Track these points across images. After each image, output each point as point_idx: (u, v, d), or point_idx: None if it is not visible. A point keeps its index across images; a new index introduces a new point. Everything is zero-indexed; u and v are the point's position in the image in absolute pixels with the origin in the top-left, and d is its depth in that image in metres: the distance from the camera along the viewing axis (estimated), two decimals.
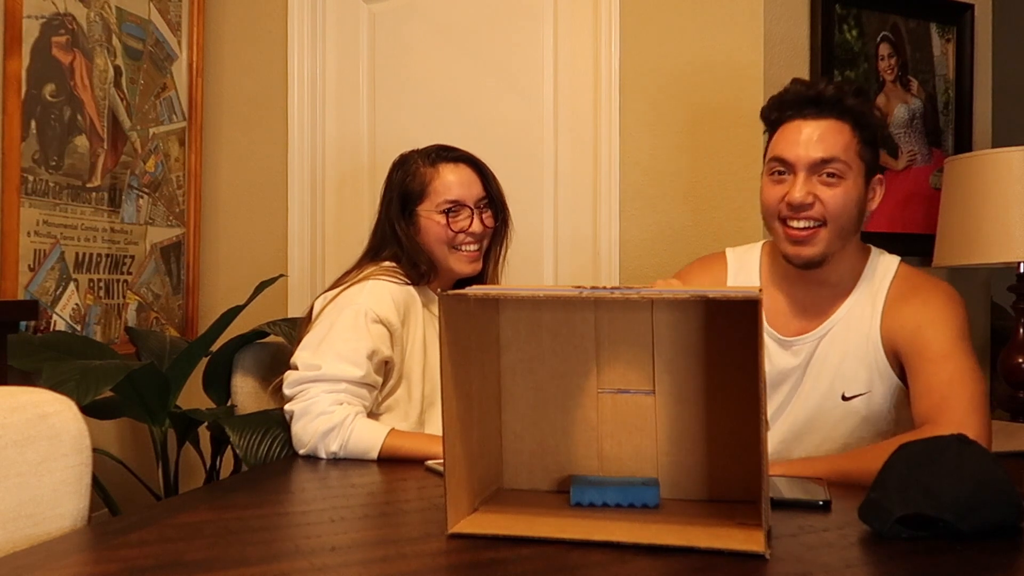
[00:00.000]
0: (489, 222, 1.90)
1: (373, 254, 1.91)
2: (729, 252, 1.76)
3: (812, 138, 1.54)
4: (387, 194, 1.92)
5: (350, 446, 1.62)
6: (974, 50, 2.75)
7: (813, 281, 1.61)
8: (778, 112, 1.60)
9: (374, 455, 1.61)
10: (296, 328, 1.99)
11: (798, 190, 1.53)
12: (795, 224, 1.55)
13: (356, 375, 1.69)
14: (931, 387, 1.47)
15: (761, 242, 1.75)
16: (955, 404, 1.43)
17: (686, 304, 1.25)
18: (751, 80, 2.41)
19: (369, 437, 1.62)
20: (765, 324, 1.58)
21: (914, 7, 2.64)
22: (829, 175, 1.54)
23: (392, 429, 1.65)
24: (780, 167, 1.57)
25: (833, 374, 1.57)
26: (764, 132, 1.67)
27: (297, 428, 1.67)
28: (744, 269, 1.70)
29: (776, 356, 1.60)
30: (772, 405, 1.60)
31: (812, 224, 1.54)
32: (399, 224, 1.87)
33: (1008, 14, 3.40)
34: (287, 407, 1.70)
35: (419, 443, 1.61)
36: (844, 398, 1.56)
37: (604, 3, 2.57)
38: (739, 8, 2.43)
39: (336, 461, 1.61)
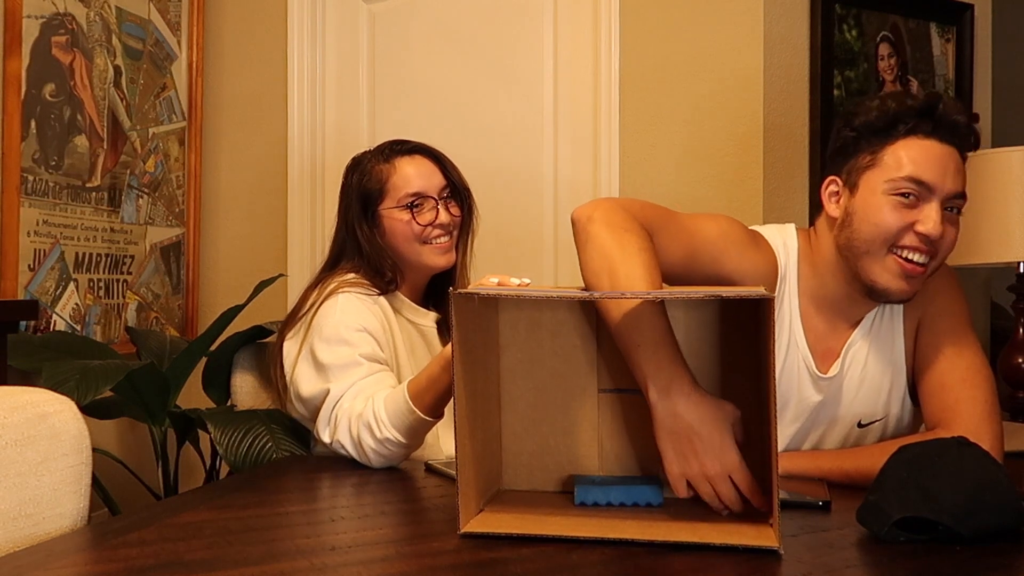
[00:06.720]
0: (455, 211, 1.81)
1: (331, 266, 1.82)
2: (767, 236, 1.53)
3: (949, 167, 1.38)
4: (344, 199, 1.83)
5: (386, 430, 1.51)
6: (974, 50, 2.75)
7: (857, 299, 1.49)
8: (891, 122, 1.40)
9: (412, 416, 1.50)
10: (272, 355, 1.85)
11: (936, 222, 1.36)
12: (915, 258, 1.39)
13: (362, 369, 1.62)
14: (944, 385, 1.44)
15: (792, 228, 1.56)
16: (968, 408, 1.40)
17: (690, 303, 1.25)
18: (751, 80, 2.41)
19: (393, 408, 1.52)
20: (805, 351, 1.50)
21: (914, 7, 2.64)
22: (955, 211, 1.41)
23: (407, 383, 1.54)
24: (913, 189, 1.37)
25: (851, 405, 1.52)
26: (852, 139, 1.45)
27: (353, 454, 1.57)
28: (790, 267, 1.52)
29: (806, 389, 1.51)
30: (789, 433, 1.53)
31: (926, 260, 1.39)
32: (361, 229, 1.78)
33: (1008, 14, 3.40)
34: (336, 444, 1.59)
35: (431, 369, 1.50)
36: (860, 425, 1.54)
37: (604, 3, 2.57)
38: (739, 8, 2.43)
39: (334, 460, 1.60)
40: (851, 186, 1.45)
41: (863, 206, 1.42)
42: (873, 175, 1.41)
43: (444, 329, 1.85)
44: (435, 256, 1.79)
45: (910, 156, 1.39)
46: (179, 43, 3.00)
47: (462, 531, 1.08)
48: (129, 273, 2.81)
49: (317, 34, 2.97)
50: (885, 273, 1.40)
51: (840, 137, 1.48)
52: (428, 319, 1.84)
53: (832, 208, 1.48)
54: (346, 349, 1.63)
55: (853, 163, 1.45)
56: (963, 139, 1.42)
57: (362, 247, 1.78)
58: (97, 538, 1.15)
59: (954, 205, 1.41)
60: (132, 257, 2.83)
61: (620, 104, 2.56)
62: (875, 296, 1.44)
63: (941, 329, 1.48)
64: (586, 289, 1.27)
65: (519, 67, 2.74)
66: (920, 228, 1.37)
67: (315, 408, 1.65)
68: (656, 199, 2.63)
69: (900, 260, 1.39)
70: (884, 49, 2.60)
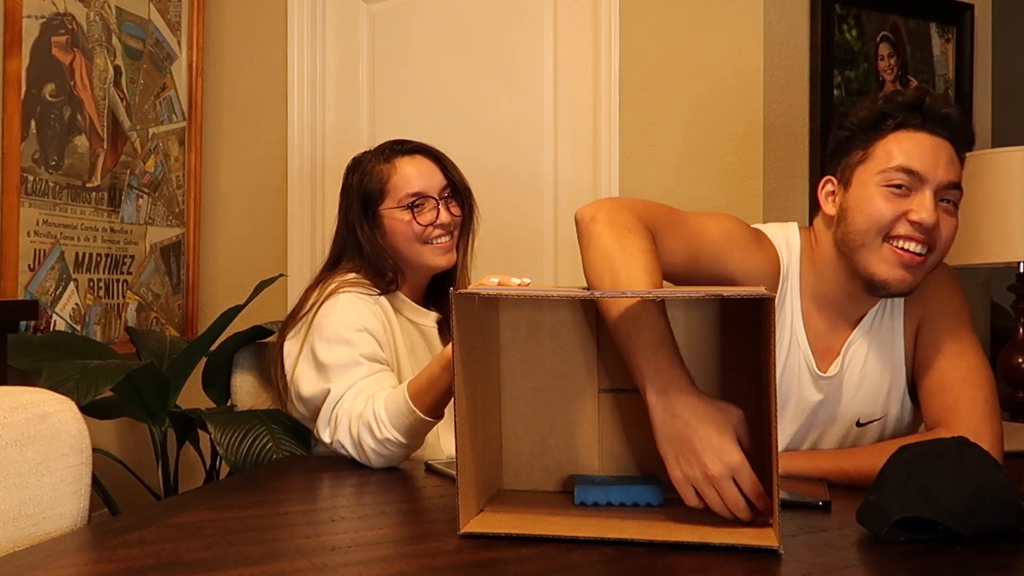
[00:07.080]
0: (456, 211, 1.81)
1: (332, 266, 1.82)
2: (770, 234, 1.53)
3: (940, 157, 1.39)
4: (345, 200, 1.83)
5: (386, 430, 1.51)
6: (974, 50, 2.75)
7: (858, 297, 1.49)
8: (881, 118, 1.43)
9: (412, 416, 1.49)
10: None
11: (929, 210, 1.37)
12: (911, 247, 1.38)
13: (362, 369, 1.62)
14: (944, 385, 1.44)
15: (795, 226, 1.55)
16: (968, 408, 1.40)
17: (690, 303, 1.25)
18: (751, 80, 2.41)
19: (393, 408, 1.51)
20: (806, 350, 1.50)
21: (914, 7, 2.64)
22: (950, 202, 1.41)
23: (407, 383, 1.53)
24: (904, 179, 1.38)
25: (850, 404, 1.52)
26: (845, 138, 1.47)
27: (353, 454, 1.56)
28: (792, 266, 1.52)
29: (806, 388, 1.51)
30: (789, 432, 1.53)
31: (924, 250, 1.39)
32: (362, 229, 1.78)
33: (1008, 14, 3.40)
34: (336, 444, 1.59)
35: (431, 369, 1.49)
36: (859, 424, 1.54)
37: (604, 3, 2.57)
38: (739, 8, 2.43)
39: (334, 460, 1.60)
40: (845, 183, 1.46)
41: (856, 199, 1.43)
42: (865, 169, 1.43)
43: (445, 329, 1.85)
44: (436, 256, 1.79)
45: (900, 148, 1.40)
46: (179, 43, 3.00)
47: (462, 531, 1.08)
48: (129, 273, 2.81)
49: (317, 34, 2.97)
50: (883, 264, 1.40)
51: (834, 138, 1.50)
52: (429, 319, 1.84)
53: (828, 207, 1.49)
54: (347, 349, 1.63)
55: (846, 161, 1.46)
56: (955, 131, 1.43)
57: (363, 247, 1.78)
58: (97, 538, 1.15)
59: (949, 197, 1.41)
60: (132, 257, 2.83)
61: (620, 104, 2.56)
62: (875, 290, 1.44)
63: (941, 329, 1.48)
64: (587, 289, 1.27)
65: (519, 67, 2.74)
66: (913, 216, 1.38)
67: (315, 408, 1.65)
68: (656, 199, 2.63)
69: (896, 250, 1.39)
70: (884, 49, 2.60)
